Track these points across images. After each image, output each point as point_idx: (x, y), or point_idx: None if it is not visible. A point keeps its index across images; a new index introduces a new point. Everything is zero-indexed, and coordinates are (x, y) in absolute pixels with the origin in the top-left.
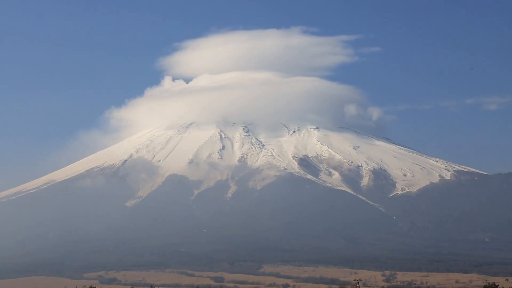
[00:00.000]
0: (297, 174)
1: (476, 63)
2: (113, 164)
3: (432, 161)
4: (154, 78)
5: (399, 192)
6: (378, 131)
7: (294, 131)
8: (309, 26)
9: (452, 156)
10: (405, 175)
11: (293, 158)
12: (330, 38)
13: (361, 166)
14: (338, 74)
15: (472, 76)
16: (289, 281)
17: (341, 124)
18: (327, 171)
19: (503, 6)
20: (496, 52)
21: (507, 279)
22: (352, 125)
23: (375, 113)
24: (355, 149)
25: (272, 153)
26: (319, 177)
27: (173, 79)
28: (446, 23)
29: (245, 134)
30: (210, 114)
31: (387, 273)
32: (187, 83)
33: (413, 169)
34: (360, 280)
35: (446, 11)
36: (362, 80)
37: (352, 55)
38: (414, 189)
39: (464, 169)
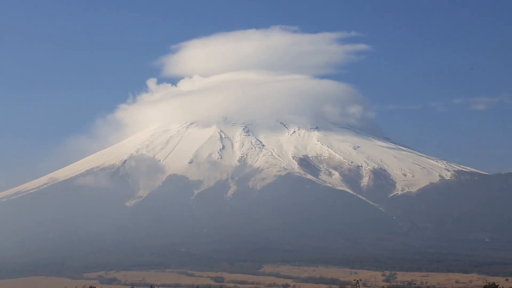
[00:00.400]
0: (297, 174)
1: (463, 62)
2: (113, 164)
3: (432, 161)
4: (154, 79)
5: (399, 192)
6: (377, 131)
7: (294, 131)
8: (289, 25)
9: (451, 156)
10: (405, 175)
11: (293, 158)
12: (314, 35)
13: (361, 166)
14: (328, 72)
15: (461, 76)
16: (289, 281)
17: (342, 124)
18: (327, 171)
19: (496, 4)
20: (488, 51)
21: (507, 279)
22: (351, 125)
23: (371, 111)
24: (355, 149)
25: (272, 153)
26: (319, 177)
27: (159, 82)
28: (434, 21)
29: (245, 134)
30: (210, 114)
31: (387, 273)
32: (175, 85)
33: (413, 169)
34: (360, 280)
35: (434, 8)
36: (354, 78)
37: (339, 53)
38: (414, 189)
39: (464, 169)
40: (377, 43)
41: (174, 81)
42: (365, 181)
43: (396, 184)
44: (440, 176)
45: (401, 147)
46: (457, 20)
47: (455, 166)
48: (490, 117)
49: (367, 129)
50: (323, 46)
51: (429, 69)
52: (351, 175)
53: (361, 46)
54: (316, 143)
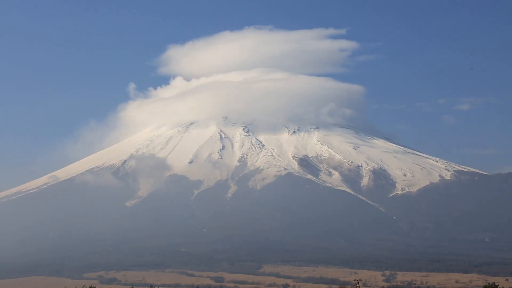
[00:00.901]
0: (297, 174)
1: (449, 61)
2: (113, 164)
3: (432, 161)
4: (154, 79)
5: (399, 192)
6: (377, 131)
7: (294, 131)
8: (262, 25)
9: (450, 156)
10: (405, 175)
11: (293, 158)
12: (291, 33)
13: (361, 166)
14: (318, 70)
15: (446, 76)
16: (289, 281)
17: (341, 123)
18: (327, 171)
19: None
20: (476, 51)
21: (507, 279)
22: (351, 125)
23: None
24: (355, 149)
25: (272, 153)
26: (319, 177)
27: (156, 82)
28: (416, 16)
29: (245, 134)
30: (210, 114)
31: (387, 273)
32: (171, 84)
33: (413, 169)
34: (360, 280)
35: (414, 3)
36: (345, 76)
37: (323, 50)
38: (414, 189)
39: (464, 169)
40: (357, 38)
41: (169, 81)
42: (365, 181)
43: (396, 184)
44: (440, 176)
45: (401, 147)
46: (442, 18)
47: (455, 166)
48: (488, 116)
49: (367, 129)
50: (305, 43)
51: (416, 67)
52: (351, 175)
53: (344, 43)
54: (316, 143)
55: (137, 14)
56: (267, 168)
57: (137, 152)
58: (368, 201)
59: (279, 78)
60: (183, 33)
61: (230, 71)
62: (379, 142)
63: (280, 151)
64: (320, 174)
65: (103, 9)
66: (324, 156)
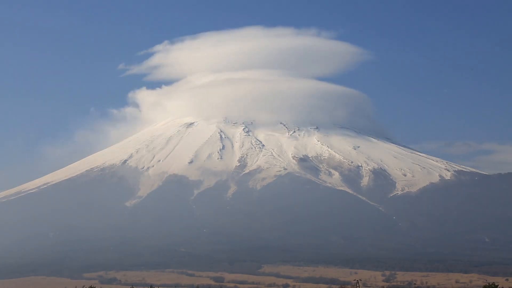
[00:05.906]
0: (297, 174)
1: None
2: (113, 164)
3: (432, 161)
4: (153, 79)
5: (399, 192)
6: (377, 131)
7: (294, 131)
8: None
9: (452, 157)
10: (405, 175)
11: (293, 158)
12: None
13: (361, 166)
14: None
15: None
16: (289, 281)
17: (342, 124)
18: (327, 171)
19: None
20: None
21: (507, 279)
22: (351, 125)
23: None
24: (355, 149)
25: (272, 153)
26: (319, 177)
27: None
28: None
29: (245, 134)
30: (210, 114)
31: (387, 273)
32: (171, 85)
33: (413, 169)
34: (360, 280)
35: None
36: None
37: (329, 51)
38: (414, 189)
39: (464, 169)
40: (358, 39)
41: (169, 81)
42: (365, 181)
43: (396, 184)
44: (440, 176)
45: (401, 147)
46: (441, 15)
47: (455, 166)
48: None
49: (367, 129)
50: (306, 44)
51: (416, 67)
52: (351, 175)
53: (344, 44)
54: (316, 143)
55: (129, 12)
56: (267, 168)
57: (137, 152)
58: (368, 201)
59: (280, 78)
60: (179, 30)
61: (230, 71)
62: (379, 142)
63: (280, 151)
64: (320, 174)
65: (88, 5)
66: (324, 156)
